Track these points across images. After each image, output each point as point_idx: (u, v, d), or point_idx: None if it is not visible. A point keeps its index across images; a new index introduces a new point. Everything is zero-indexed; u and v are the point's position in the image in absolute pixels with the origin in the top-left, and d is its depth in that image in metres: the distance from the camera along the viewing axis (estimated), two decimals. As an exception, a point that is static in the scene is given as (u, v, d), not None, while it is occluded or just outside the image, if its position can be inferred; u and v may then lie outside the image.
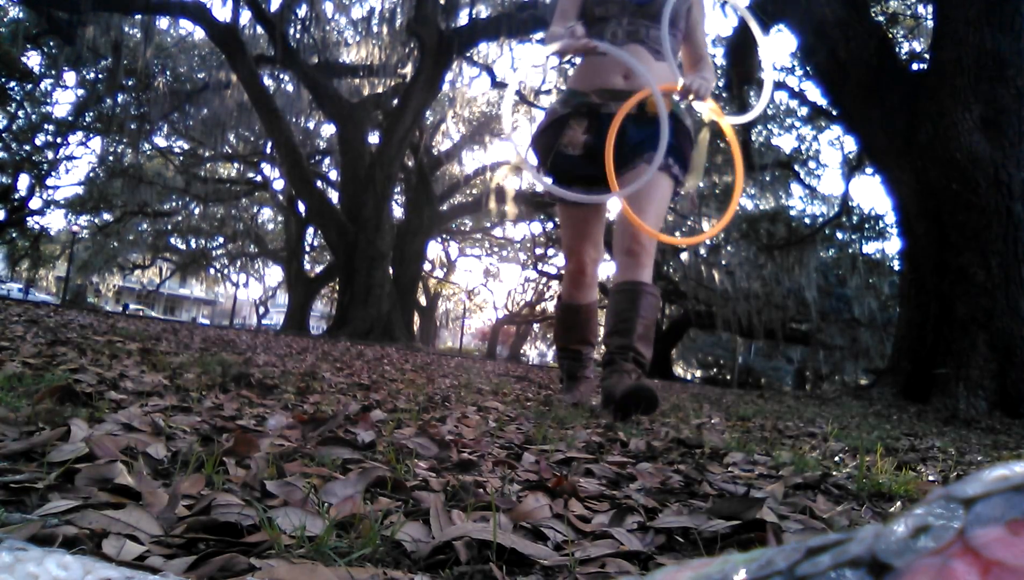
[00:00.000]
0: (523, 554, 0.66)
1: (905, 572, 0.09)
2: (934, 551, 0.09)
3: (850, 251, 18.16)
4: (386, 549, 0.65)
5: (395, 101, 15.53)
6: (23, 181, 20.25)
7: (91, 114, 19.23)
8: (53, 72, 18.01)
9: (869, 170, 14.51)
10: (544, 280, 26.53)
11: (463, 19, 15.46)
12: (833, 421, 3.66)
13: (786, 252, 16.55)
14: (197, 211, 24.04)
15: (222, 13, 26.22)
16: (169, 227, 25.09)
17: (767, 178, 17.14)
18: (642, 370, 2.59)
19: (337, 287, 18.85)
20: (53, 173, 20.81)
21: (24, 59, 16.78)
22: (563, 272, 2.91)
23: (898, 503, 1.19)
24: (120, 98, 18.35)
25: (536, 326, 29.52)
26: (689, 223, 16.44)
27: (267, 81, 16.59)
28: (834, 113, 11.77)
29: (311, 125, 21.16)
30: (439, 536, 0.69)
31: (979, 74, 6.24)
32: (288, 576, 0.53)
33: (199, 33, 17.15)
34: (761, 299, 17.55)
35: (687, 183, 2.69)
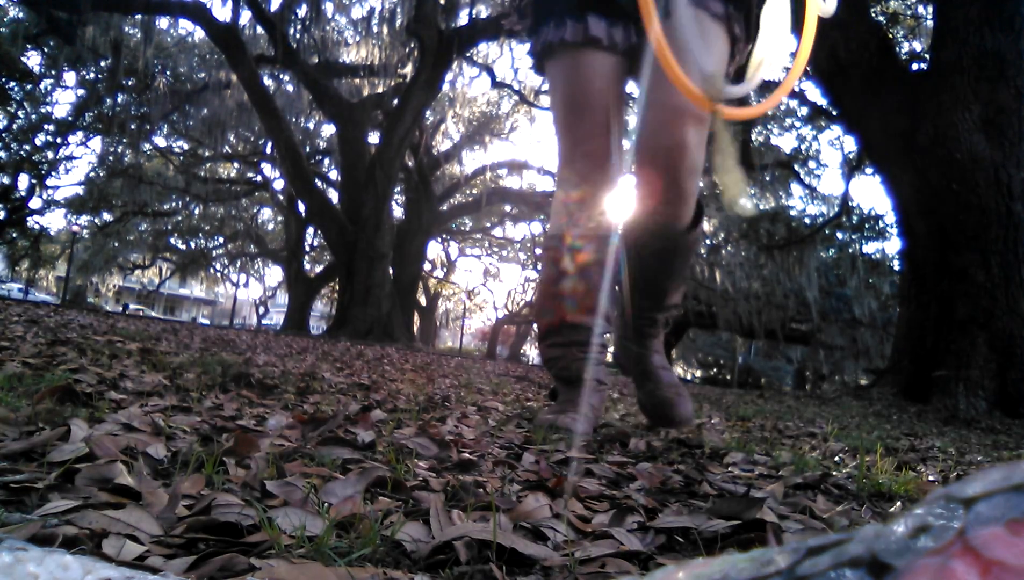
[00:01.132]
0: (523, 554, 0.66)
1: (905, 572, 0.09)
2: (934, 551, 0.09)
3: (850, 251, 18.16)
4: (386, 549, 0.65)
5: (395, 101, 15.53)
6: (23, 181, 20.27)
7: (91, 114, 19.24)
8: (53, 72, 18.01)
9: (869, 170, 14.51)
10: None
11: (463, 19, 15.47)
12: (833, 421, 3.66)
13: (786, 252, 16.55)
14: (197, 211, 24.07)
15: (222, 13, 26.28)
16: (169, 227, 25.11)
17: (767, 178, 17.15)
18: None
19: (337, 287, 18.85)
20: (53, 173, 20.83)
21: (24, 59, 16.79)
22: (555, 187, 1.93)
23: (898, 503, 1.19)
24: (120, 98, 18.36)
25: (536, 326, 29.47)
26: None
27: (267, 81, 16.60)
28: (834, 113, 11.78)
29: (311, 125, 21.17)
30: (439, 536, 0.69)
31: (979, 74, 6.24)
32: (288, 576, 0.53)
33: (199, 33, 17.17)
34: (761, 299, 17.55)
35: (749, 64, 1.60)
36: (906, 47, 12.57)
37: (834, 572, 0.10)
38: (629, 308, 1.93)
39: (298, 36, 15.71)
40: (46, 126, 19.42)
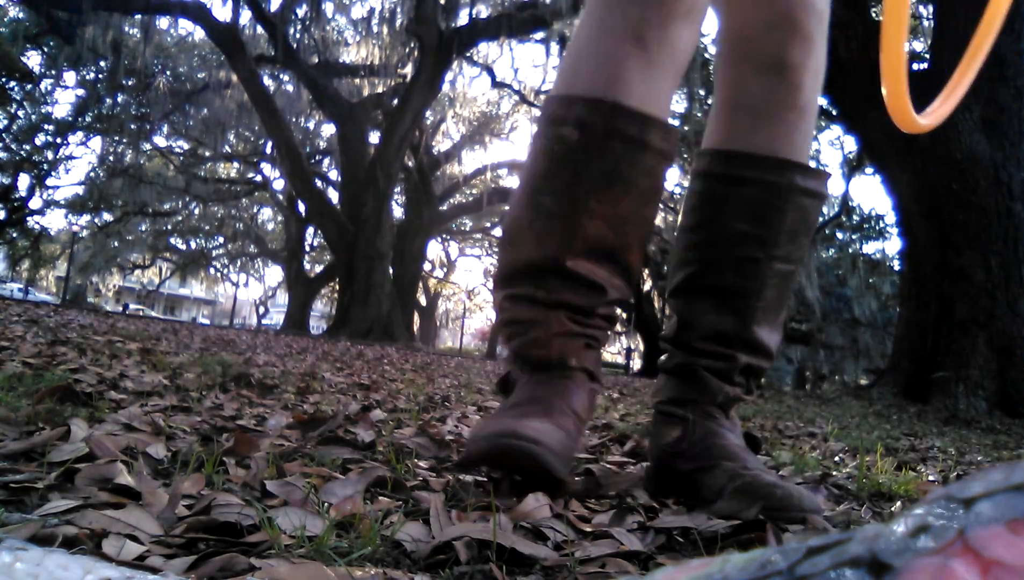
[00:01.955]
0: (523, 554, 0.66)
1: (905, 572, 0.09)
2: (934, 551, 0.09)
3: (850, 251, 18.17)
4: (386, 549, 0.65)
5: (395, 101, 15.54)
6: (23, 181, 20.28)
7: (91, 114, 19.25)
8: (53, 72, 18.02)
9: (869, 170, 14.52)
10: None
11: (463, 19, 15.47)
12: (833, 421, 3.66)
13: (786, 252, 16.53)
14: (197, 211, 24.08)
15: (222, 13, 26.30)
16: (169, 227, 25.12)
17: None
18: (754, 381, 1.13)
19: (337, 287, 18.86)
20: (53, 173, 20.84)
21: (24, 59, 16.80)
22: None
23: (898, 503, 1.19)
24: (120, 98, 18.37)
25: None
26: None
27: (267, 81, 16.60)
28: (834, 113, 11.78)
29: (311, 125, 21.19)
30: (439, 536, 0.69)
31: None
32: (288, 576, 0.53)
33: (199, 33, 17.18)
34: (761, 299, 17.51)
35: None
36: (906, 47, 12.57)
37: (834, 572, 0.10)
38: (677, 329, 1.10)
39: (298, 36, 15.72)
40: (46, 126, 19.44)
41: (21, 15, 16.13)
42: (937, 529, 0.10)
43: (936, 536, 0.10)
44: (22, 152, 19.28)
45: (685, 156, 12.16)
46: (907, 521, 0.10)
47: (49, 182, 21.11)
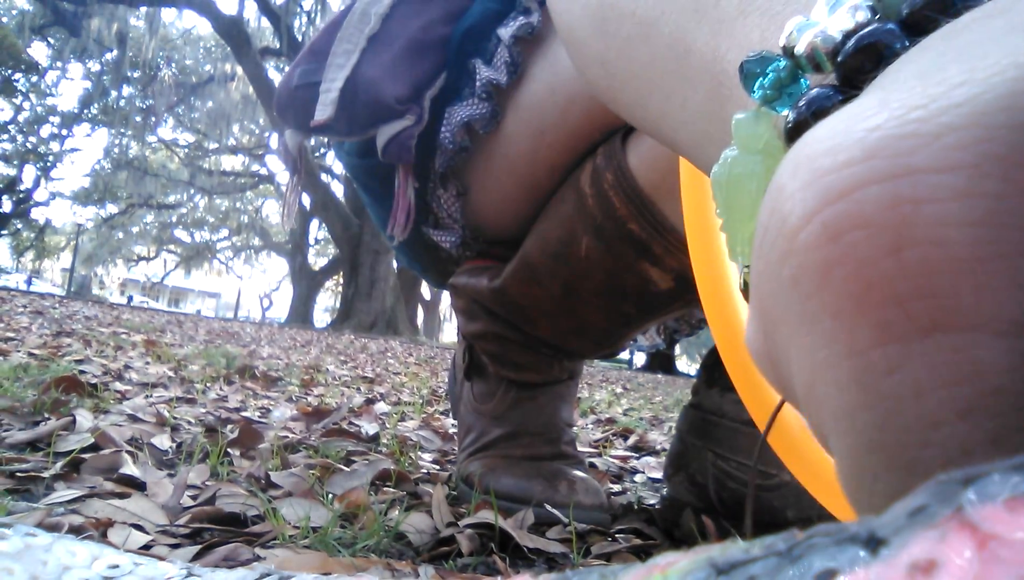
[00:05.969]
0: (527, 546, 0.66)
1: (902, 546, 0.09)
2: (931, 526, 0.10)
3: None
4: (390, 540, 0.66)
5: (400, 94, 15.50)
6: (29, 173, 20.33)
7: (96, 106, 19.28)
8: (58, 64, 18.05)
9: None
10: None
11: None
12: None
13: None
14: (202, 203, 24.14)
15: (227, 5, 26.31)
16: (174, 219, 25.18)
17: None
18: None
19: (341, 280, 18.89)
20: (58, 165, 20.88)
21: (29, 51, 16.83)
22: None
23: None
24: (125, 90, 18.40)
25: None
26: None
27: (272, 73, 16.60)
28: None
29: (316, 118, 21.16)
30: (442, 528, 0.69)
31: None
32: (292, 566, 0.54)
33: (204, 25, 17.19)
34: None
35: None
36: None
37: (830, 548, 0.10)
38: None
39: (303, 28, 15.71)
40: (51, 118, 19.48)
41: (29, 7, 16.15)
42: (934, 506, 0.10)
43: (933, 513, 0.10)
44: (27, 144, 19.33)
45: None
46: (905, 501, 0.10)
47: (54, 174, 21.18)
